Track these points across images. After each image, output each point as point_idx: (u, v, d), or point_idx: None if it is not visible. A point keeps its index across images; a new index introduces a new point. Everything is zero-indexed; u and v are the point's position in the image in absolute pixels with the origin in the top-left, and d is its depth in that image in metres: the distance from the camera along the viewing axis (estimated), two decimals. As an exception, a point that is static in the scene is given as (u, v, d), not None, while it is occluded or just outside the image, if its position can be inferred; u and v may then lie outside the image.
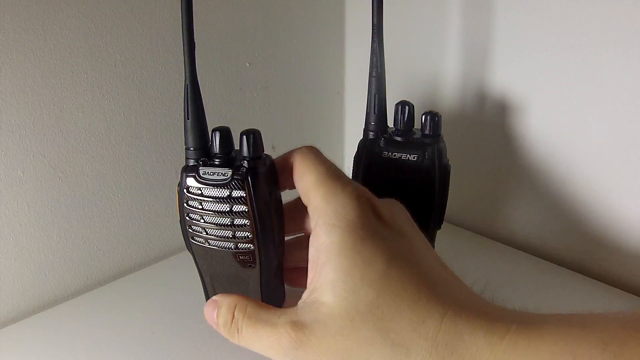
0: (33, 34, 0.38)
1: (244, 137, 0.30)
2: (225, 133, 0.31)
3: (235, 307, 0.29)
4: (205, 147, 0.31)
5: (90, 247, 0.45)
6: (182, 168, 0.31)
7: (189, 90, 0.30)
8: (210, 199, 0.30)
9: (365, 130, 0.40)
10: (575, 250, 0.47)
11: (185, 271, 0.47)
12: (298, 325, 0.26)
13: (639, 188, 0.42)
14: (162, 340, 0.38)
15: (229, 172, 0.30)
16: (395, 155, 0.38)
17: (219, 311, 0.30)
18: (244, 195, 0.29)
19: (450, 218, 0.56)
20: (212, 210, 0.30)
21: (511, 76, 0.47)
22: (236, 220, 0.30)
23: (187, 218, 0.31)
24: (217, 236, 0.31)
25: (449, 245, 0.42)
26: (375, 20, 0.38)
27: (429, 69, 0.53)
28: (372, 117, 0.39)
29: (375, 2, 0.38)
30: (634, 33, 0.39)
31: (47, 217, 0.42)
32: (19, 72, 0.38)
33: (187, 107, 0.30)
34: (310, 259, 0.28)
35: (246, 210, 0.30)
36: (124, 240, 0.48)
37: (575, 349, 0.21)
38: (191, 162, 0.31)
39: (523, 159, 0.48)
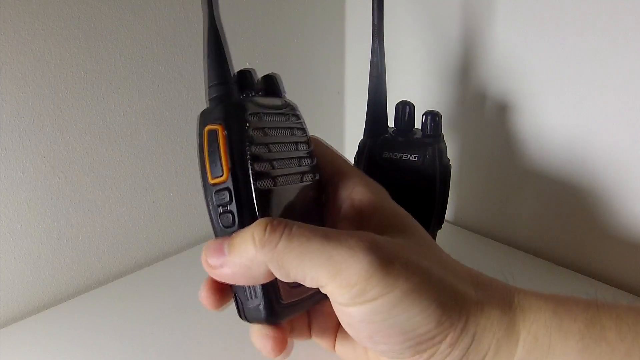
0: (33, 34, 0.38)
1: (272, 78, 0.29)
2: (252, 71, 0.29)
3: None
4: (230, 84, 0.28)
5: (90, 247, 0.45)
6: (225, 104, 0.26)
7: (210, 30, 0.28)
8: (275, 126, 0.27)
9: (366, 130, 0.40)
10: (576, 249, 0.47)
11: (185, 271, 0.47)
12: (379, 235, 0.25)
13: None
14: (162, 340, 0.38)
15: (278, 100, 0.29)
16: (395, 155, 0.38)
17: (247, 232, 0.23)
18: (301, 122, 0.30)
19: (450, 218, 0.56)
20: (279, 135, 0.27)
21: (511, 76, 0.47)
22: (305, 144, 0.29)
23: (249, 157, 0.25)
24: (287, 168, 0.27)
25: (449, 245, 0.42)
26: (375, 20, 0.38)
27: (429, 69, 0.53)
28: (373, 116, 0.39)
29: (375, 2, 0.38)
30: (635, 32, 0.39)
31: (47, 217, 0.42)
32: (19, 72, 0.38)
33: (211, 45, 0.27)
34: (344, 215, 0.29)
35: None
36: (124, 240, 0.47)
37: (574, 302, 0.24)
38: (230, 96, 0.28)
39: (523, 158, 0.48)
